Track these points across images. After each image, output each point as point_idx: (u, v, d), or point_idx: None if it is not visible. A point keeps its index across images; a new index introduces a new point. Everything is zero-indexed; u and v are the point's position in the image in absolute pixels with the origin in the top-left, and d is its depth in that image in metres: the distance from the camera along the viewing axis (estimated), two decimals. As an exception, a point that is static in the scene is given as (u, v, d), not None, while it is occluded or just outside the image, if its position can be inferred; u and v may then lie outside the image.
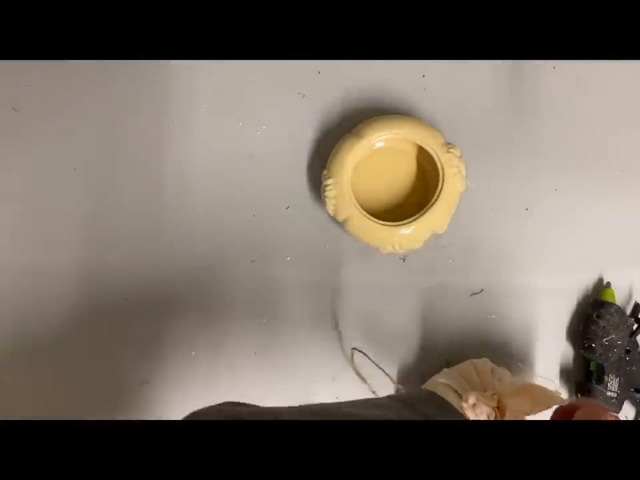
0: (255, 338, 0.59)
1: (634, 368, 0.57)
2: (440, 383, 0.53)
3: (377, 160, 0.61)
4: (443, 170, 0.57)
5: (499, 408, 0.49)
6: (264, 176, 0.62)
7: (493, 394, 0.50)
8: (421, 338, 0.60)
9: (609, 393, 0.56)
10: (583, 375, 0.59)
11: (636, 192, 0.62)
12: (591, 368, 0.58)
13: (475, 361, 0.56)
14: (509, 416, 0.49)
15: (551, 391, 0.50)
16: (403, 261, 0.61)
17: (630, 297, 0.60)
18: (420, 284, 0.60)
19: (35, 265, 0.61)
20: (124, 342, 0.60)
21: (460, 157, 0.58)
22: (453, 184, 0.57)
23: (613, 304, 0.58)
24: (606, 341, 0.57)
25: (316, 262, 0.61)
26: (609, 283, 0.60)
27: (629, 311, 0.59)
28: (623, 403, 0.57)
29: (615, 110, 0.63)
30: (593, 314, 0.58)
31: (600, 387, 0.56)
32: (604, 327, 0.57)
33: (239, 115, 0.63)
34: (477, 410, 0.48)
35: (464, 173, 0.58)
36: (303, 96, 0.64)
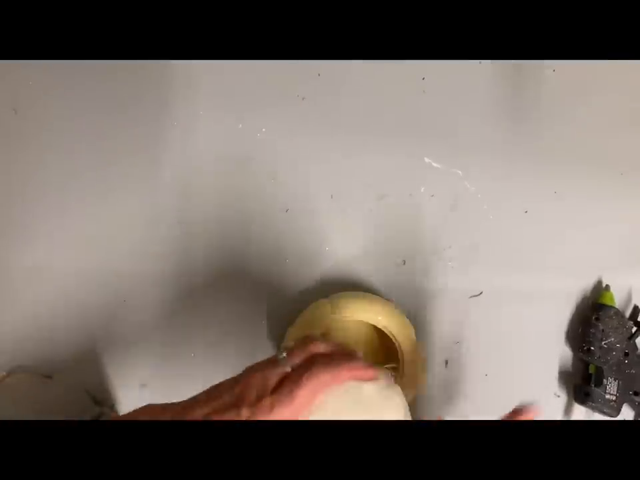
0: (254, 339, 0.59)
1: (633, 371, 0.57)
2: None
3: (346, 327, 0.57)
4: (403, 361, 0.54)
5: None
6: (264, 178, 0.62)
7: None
8: (421, 340, 0.59)
9: (607, 396, 0.56)
10: (582, 377, 0.59)
11: (635, 194, 0.62)
12: (590, 371, 0.58)
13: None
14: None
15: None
16: (404, 263, 0.61)
17: (629, 299, 0.60)
18: (420, 286, 0.60)
19: (33, 264, 0.60)
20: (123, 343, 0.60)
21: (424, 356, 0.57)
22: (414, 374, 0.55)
23: (612, 307, 0.58)
24: (605, 343, 0.57)
25: (316, 263, 0.61)
26: (608, 286, 0.60)
27: (627, 313, 0.59)
28: (621, 406, 0.56)
29: (615, 111, 0.63)
30: (592, 317, 0.58)
31: (599, 390, 0.56)
32: (603, 329, 0.57)
33: (239, 116, 0.63)
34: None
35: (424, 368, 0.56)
36: (303, 98, 0.64)
